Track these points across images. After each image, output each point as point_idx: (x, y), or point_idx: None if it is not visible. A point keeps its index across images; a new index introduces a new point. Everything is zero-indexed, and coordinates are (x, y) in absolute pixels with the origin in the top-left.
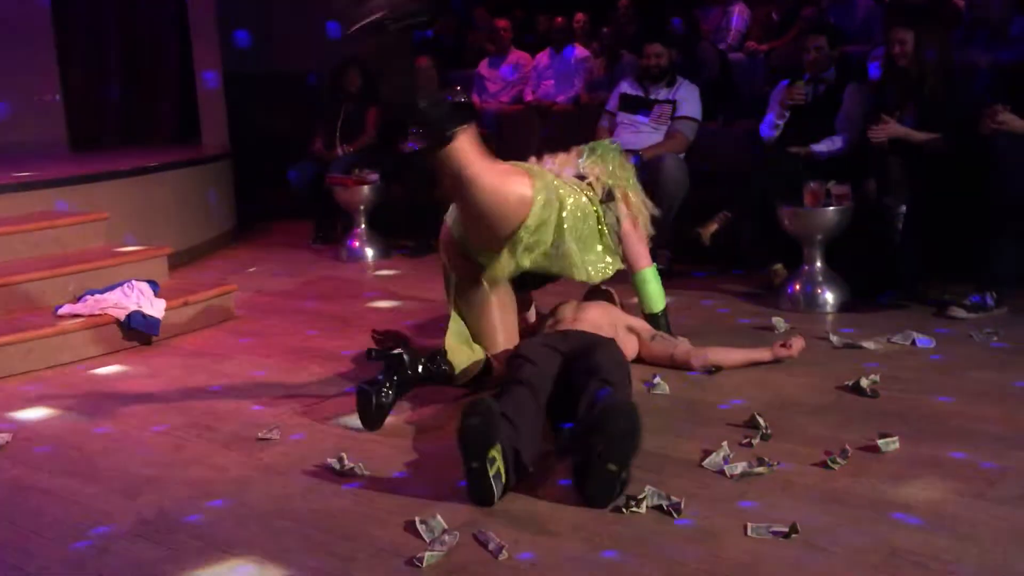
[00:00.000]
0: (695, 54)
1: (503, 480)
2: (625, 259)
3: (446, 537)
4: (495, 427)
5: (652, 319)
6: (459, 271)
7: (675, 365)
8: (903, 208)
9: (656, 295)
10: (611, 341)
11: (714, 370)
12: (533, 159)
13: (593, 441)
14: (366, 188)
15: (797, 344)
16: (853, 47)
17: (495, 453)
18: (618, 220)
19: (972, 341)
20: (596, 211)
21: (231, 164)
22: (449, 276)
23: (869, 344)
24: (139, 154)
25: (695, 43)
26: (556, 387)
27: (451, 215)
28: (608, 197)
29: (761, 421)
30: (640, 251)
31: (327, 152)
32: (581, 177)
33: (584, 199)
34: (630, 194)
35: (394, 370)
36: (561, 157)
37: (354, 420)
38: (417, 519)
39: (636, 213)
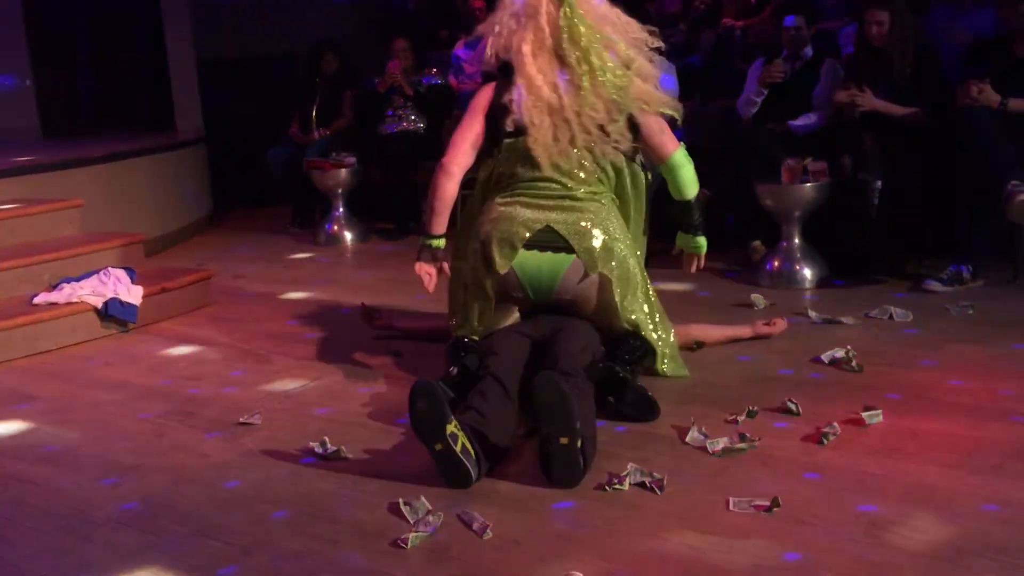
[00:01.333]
0: (699, 41)
1: (472, 455)
2: (649, 150)
3: (430, 518)
4: (443, 404)
5: (683, 206)
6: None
7: None
8: (879, 183)
9: (689, 177)
10: (579, 324)
11: (696, 347)
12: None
13: (537, 423)
14: (343, 171)
15: (780, 325)
16: (829, 23)
17: (453, 429)
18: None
19: (948, 314)
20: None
21: (206, 149)
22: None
23: (847, 319)
24: (113, 140)
25: (703, 30)
26: (526, 373)
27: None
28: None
29: (793, 406)
30: (665, 137)
31: (304, 136)
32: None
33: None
34: (631, 57)
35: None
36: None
37: (333, 404)
38: (401, 501)
39: (649, 74)
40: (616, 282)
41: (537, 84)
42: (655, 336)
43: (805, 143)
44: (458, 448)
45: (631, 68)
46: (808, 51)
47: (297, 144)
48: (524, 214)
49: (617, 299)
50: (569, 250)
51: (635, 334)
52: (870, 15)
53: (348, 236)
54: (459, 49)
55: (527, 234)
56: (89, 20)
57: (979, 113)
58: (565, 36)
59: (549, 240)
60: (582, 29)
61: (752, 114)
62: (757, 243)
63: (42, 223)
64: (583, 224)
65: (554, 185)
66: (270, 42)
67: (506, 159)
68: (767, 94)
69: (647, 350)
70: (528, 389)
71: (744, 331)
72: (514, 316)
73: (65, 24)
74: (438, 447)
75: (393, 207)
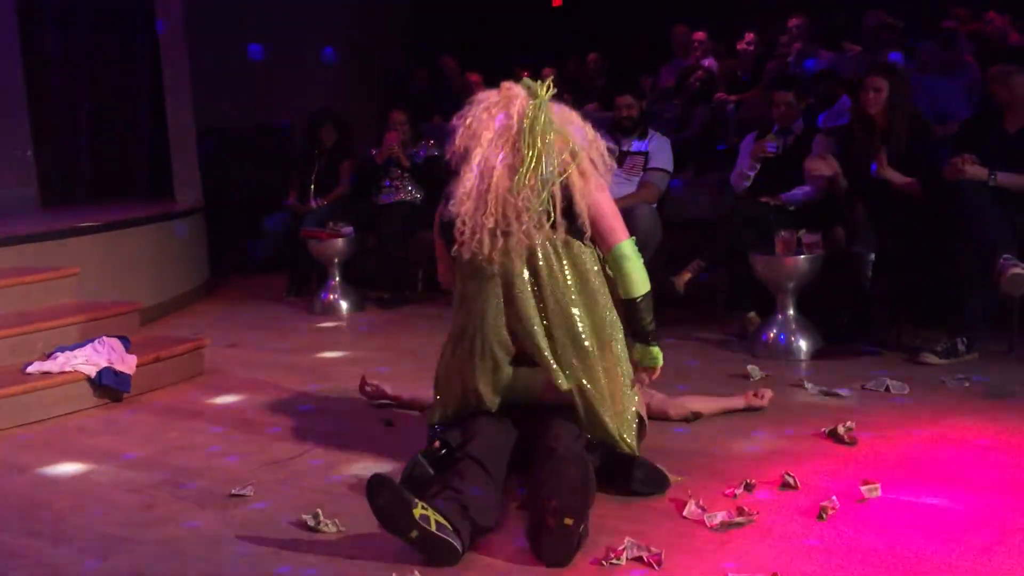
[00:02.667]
0: (693, 114)
1: (450, 527)
2: (595, 237)
3: None
4: (401, 493)
5: (630, 307)
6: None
7: (651, 416)
8: (872, 255)
9: (636, 274)
10: (565, 411)
11: (693, 417)
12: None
13: (544, 495)
14: (340, 240)
15: (767, 395)
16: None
17: (421, 511)
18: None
19: (945, 386)
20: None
21: (203, 218)
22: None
23: (843, 391)
24: (111, 209)
25: (698, 104)
26: (513, 452)
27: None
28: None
29: (791, 479)
30: (612, 223)
31: (301, 205)
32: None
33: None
34: (576, 151)
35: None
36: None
37: (326, 475)
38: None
39: (590, 172)
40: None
41: (473, 169)
42: (627, 442)
43: (798, 215)
44: (433, 527)
45: (575, 159)
46: (799, 125)
47: (294, 213)
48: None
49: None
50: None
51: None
52: (869, 81)
53: (344, 305)
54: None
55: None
56: (90, 89)
57: (970, 187)
58: (526, 125)
59: (529, 360)
60: (543, 118)
61: (745, 187)
62: (752, 314)
63: (38, 292)
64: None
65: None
66: (269, 112)
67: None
68: (759, 168)
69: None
70: (550, 457)
71: (737, 402)
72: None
73: (66, 93)
74: (413, 535)
75: (389, 277)
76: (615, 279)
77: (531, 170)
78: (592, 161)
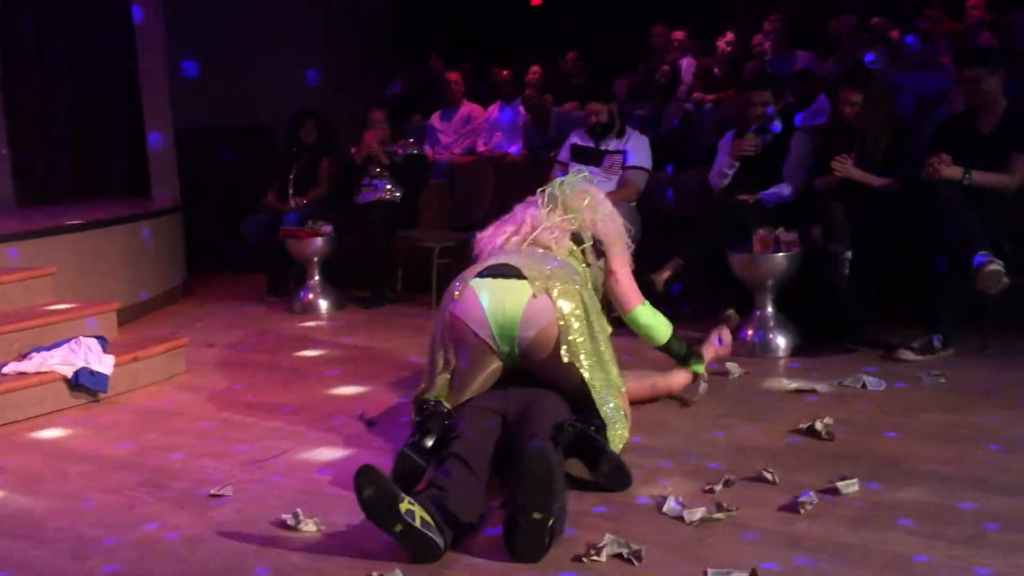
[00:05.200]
0: (664, 112)
1: (434, 524)
2: (615, 302)
3: None
4: (388, 486)
5: (665, 350)
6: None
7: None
8: (849, 254)
9: (657, 328)
10: (551, 397)
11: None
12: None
13: (515, 492)
14: (319, 240)
15: (727, 338)
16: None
17: (407, 506)
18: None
19: (921, 382)
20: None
21: (182, 217)
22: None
23: (821, 387)
24: (88, 208)
25: (667, 102)
26: (498, 449)
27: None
28: (579, 241)
29: (769, 476)
30: (630, 290)
31: (280, 204)
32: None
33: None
34: (600, 225)
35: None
36: (528, 230)
37: (306, 474)
38: (375, 574)
39: (612, 244)
40: (569, 317)
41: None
42: (610, 415)
43: (776, 214)
44: (417, 523)
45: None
46: (777, 125)
47: (274, 212)
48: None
49: (572, 337)
50: (521, 277)
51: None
52: (844, 95)
53: (323, 304)
54: (435, 120)
55: (481, 265)
56: (67, 89)
57: (944, 186)
58: (556, 184)
59: (504, 272)
60: (571, 181)
61: (723, 186)
62: (731, 312)
63: (14, 292)
64: (540, 262)
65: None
66: (248, 112)
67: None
68: (738, 167)
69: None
70: (517, 455)
71: (673, 380)
72: (481, 381)
73: (42, 92)
74: (398, 528)
75: (369, 275)
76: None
77: (559, 206)
78: (616, 234)
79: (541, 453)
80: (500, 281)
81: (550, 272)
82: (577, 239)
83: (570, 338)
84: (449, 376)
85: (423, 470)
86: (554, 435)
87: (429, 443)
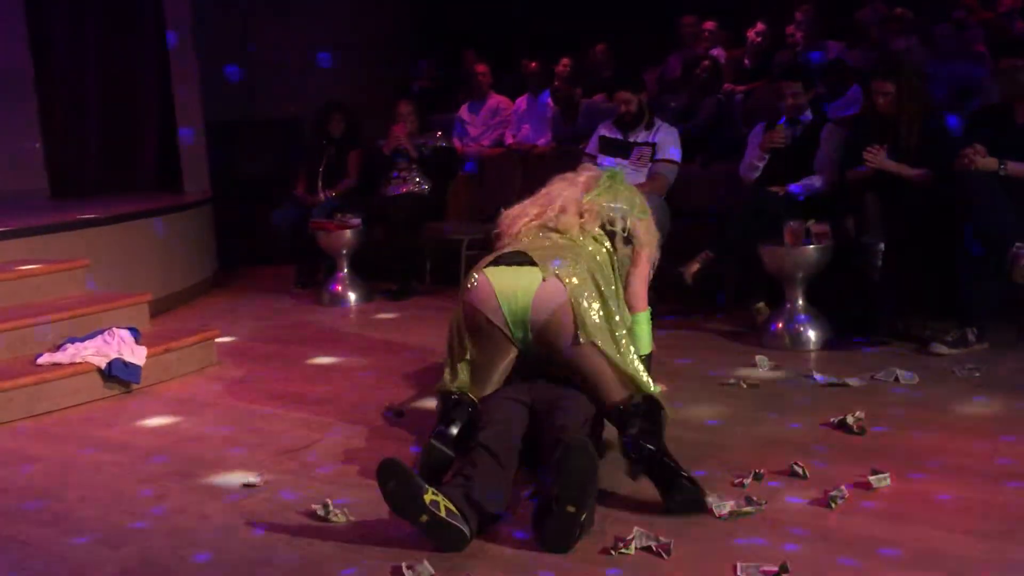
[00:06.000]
0: (699, 104)
1: (459, 514)
2: (625, 295)
3: None
4: (412, 478)
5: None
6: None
7: None
8: (882, 246)
9: (645, 338)
10: (576, 396)
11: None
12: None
13: (550, 483)
14: (348, 232)
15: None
16: (825, 88)
17: (431, 496)
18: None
19: (954, 377)
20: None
21: (212, 210)
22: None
23: (853, 381)
24: (120, 201)
25: (705, 95)
26: (525, 440)
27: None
28: (614, 234)
29: (800, 469)
30: (641, 292)
31: (309, 196)
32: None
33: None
34: (639, 224)
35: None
36: (566, 200)
37: (335, 465)
38: (404, 565)
39: (644, 245)
40: (578, 288)
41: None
42: (640, 374)
43: (807, 206)
44: (443, 513)
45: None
46: (807, 116)
47: (303, 205)
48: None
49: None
50: (533, 263)
51: (637, 401)
52: (876, 85)
53: (352, 296)
54: (463, 112)
55: (494, 255)
56: (99, 82)
57: (978, 177)
58: (607, 174)
59: (516, 260)
60: (620, 177)
61: (754, 178)
62: (761, 305)
63: (48, 283)
64: (550, 250)
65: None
66: (277, 105)
67: None
68: (768, 158)
69: (658, 407)
70: (559, 447)
71: None
72: (501, 371)
73: (75, 86)
74: (423, 519)
75: (397, 268)
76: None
77: (603, 192)
78: (651, 239)
79: (584, 449)
80: (512, 268)
81: (560, 261)
82: (609, 227)
83: (584, 319)
84: (469, 367)
85: (450, 460)
86: (633, 466)
87: (455, 431)
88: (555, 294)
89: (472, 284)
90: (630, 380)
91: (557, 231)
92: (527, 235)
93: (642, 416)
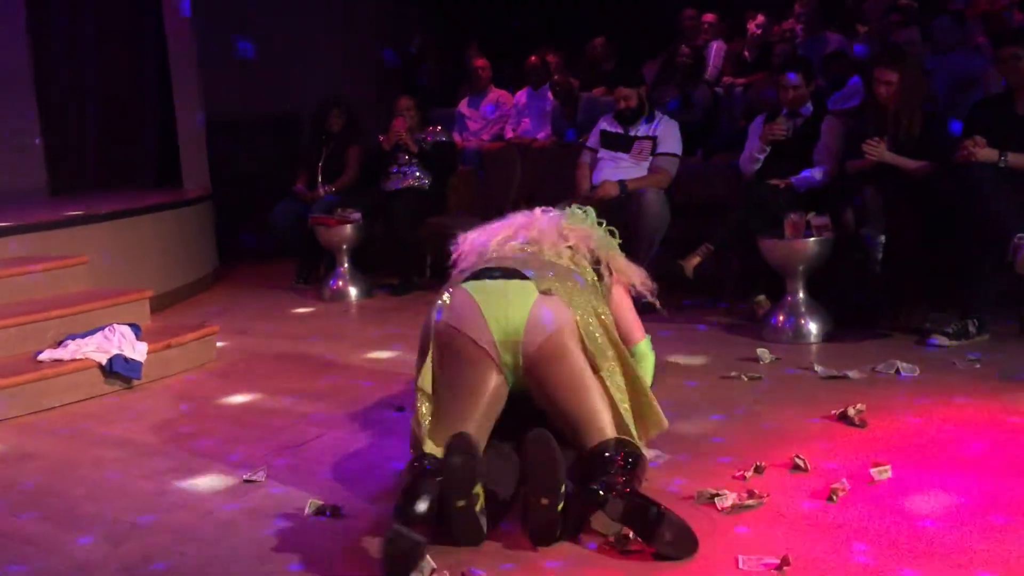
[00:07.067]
0: (692, 96)
1: (485, 517)
2: (617, 331)
3: None
4: (478, 463)
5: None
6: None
7: None
8: (882, 238)
9: (648, 372)
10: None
11: None
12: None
13: (522, 479)
14: (348, 227)
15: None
16: (826, 81)
17: (479, 490)
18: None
19: (955, 368)
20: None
21: (212, 206)
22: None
23: (854, 374)
24: (120, 198)
25: (695, 85)
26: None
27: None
28: (597, 264)
29: (801, 462)
30: (633, 321)
31: (309, 192)
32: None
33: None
34: (619, 258)
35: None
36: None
37: (337, 460)
38: None
39: (624, 275)
40: (570, 303)
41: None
42: (622, 405)
43: (807, 198)
44: (478, 508)
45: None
46: (808, 108)
47: (302, 200)
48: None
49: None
50: (523, 277)
51: (615, 442)
52: (879, 74)
53: (353, 292)
54: (462, 106)
55: (470, 272)
56: (98, 79)
57: (980, 168)
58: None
59: (500, 273)
60: (592, 214)
61: (754, 171)
62: (761, 297)
63: (47, 280)
64: (542, 265)
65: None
66: (277, 101)
67: None
68: (768, 151)
69: (638, 453)
70: (522, 445)
71: None
72: (484, 409)
73: (74, 83)
74: (460, 503)
75: (397, 263)
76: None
77: (578, 220)
78: (630, 268)
79: (541, 440)
80: (499, 282)
81: (555, 274)
82: (592, 257)
83: (586, 343)
84: (439, 405)
85: (419, 545)
86: (608, 505)
87: (423, 508)
88: (553, 314)
89: (445, 301)
90: (621, 421)
91: (547, 244)
92: (508, 252)
93: (624, 464)
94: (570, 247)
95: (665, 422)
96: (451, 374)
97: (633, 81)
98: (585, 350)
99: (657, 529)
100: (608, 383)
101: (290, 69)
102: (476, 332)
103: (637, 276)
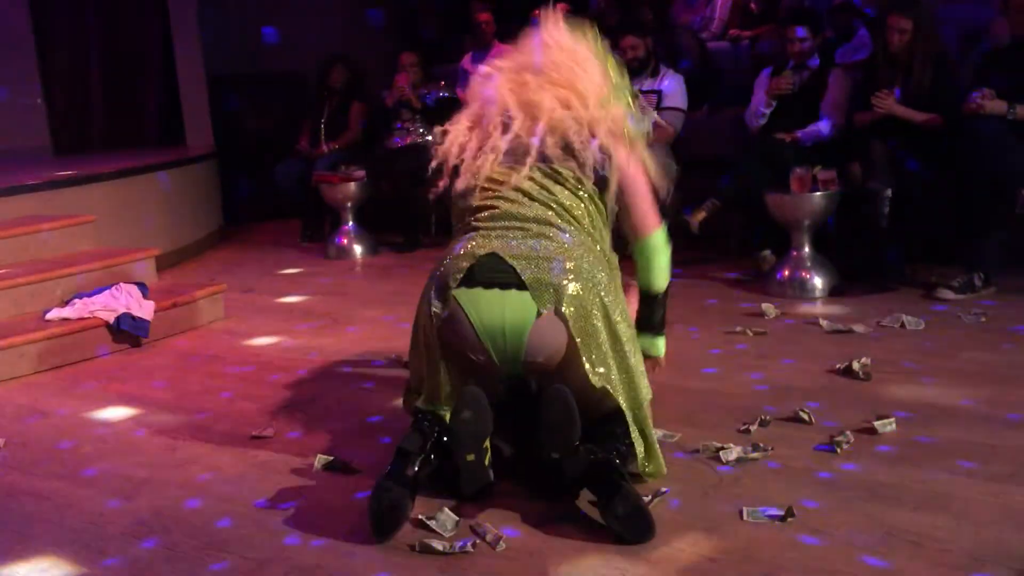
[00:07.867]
0: (674, 44)
1: (492, 471)
2: (627, 222)
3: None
4: (488, 418)
5: (650, 301)
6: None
7: None
8: (888, 192)
9: (663, 269)
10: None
11: None
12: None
13: (537, 433)
14: (352, 185)
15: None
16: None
17: (487, 443)
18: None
19: (961, 322)
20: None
21: (216, 164)
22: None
23: (859, 328)
24: (124, 157)
25: (673, 33)
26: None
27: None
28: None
29: (805, 415)
30: (648, 210)
31: (312, 150)
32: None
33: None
34: (640, 146)
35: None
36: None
37: (345, 415)
38: (423, 516)
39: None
40: (575, 331)
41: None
42: (632, 425)
43: (814, 152)
44: (487, 461)
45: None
46: (815, 61)
47: (306, 158)
48: (469, 246)
49: (583, 359)
50: (520, 286)
51: (619, 420)
52: (893, 21)
53: (358, 249)
54: (466, 62)
55: (465, 264)
56: (99, 38)
57: (987, 121)
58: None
59: (498, 277)
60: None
61: (760, 125)
62: (767, 252)
63: (54, 239)
64: (540, 251)
65: (506, 204)
66: (280, 58)
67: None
68: (775, 105)
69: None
70: (539, 403)
71: None
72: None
73: (76, 43)
74: (470, 457)
75: (402, 220)
76: (638, 267)
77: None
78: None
79: (559, 396)
80: (495, 293)
81: (559, 275)
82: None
83: (594, 357)
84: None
85: (408, 503)
86: (565, 461)
87: (415, 468)
88: (556, 334)
89: (439, 309)
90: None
91: (554, 174)
92: (513, 185)
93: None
94: (574, 155)
95: (664, 468)
96: (450, 366)
97: (640, 29)
98: (590, 361)
99: (611, 500)
100: (622, 402)
101: (294, 24)
102: (472, 350)
103: (654, 170)
